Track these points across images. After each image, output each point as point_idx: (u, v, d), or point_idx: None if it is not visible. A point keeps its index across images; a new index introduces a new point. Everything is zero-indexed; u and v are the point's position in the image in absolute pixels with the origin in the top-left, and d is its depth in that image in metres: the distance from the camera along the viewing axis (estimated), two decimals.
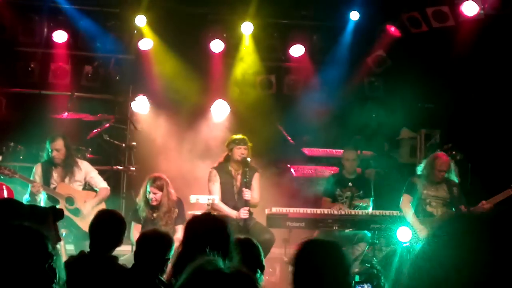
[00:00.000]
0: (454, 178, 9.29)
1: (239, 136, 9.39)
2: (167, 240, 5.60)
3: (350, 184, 9.88)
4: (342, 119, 11.36)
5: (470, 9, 10.78)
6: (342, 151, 10.55)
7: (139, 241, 5.53)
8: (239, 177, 9.29)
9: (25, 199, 8.96)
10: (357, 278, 8.96)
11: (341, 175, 10.08)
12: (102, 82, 11.71)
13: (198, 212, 8.64)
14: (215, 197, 8.89)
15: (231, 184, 9.29)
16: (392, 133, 11.89)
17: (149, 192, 8.89)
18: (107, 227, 5.67)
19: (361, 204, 9.63)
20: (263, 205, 9.37)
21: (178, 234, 8.88)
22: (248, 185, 9.22)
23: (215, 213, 8.60)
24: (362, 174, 10.40)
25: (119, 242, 5.71)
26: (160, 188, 8.90)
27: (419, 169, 9.45)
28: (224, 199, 9.23)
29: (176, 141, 11.15)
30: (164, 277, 5.24)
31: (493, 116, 11.04)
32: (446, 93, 11.47)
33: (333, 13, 11.83)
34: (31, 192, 9.01)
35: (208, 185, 9.36)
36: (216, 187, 9.29)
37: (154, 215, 8.97)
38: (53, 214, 4.98)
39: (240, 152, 9.24)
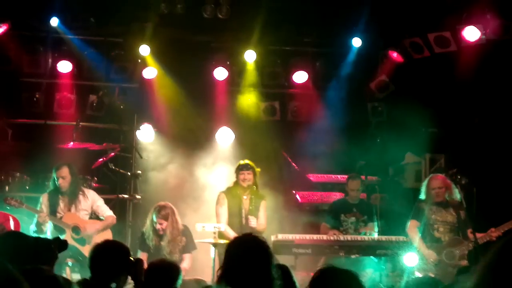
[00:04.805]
0: (457, 195, 9.26)
1: (244, 161, 9.45)
2: (175, 270, 5.60)
3: (354, 209, 9.90)
4: (346, 145, 11.38)
5: (471, 34, 10.85)
6: (346, 177, 10.56)
7: (147, 272, 5.52)
8: (246, 203, 9.32)
9: (31, 229, 8.99)
10: None
11: (345, 200, 10.10)
12: (107, 111, 11.76)
13: (205, 240, 8.65)
14: (222, 225, 8.89)
15: (238, 209, 9.32)
16: (396, 158, 11.91)
17: (156, 222, 8.93)
18: (106, 257, 5.49)
19: (365, 232, 9.61)
20: (269, 232, 9.38)
21: (185, 263, 8.89)
22: (254, 212, 9.25)
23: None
24: (366, 199, 10.43)
25: (120, 273, 5.55)
26: (166, 218, 8.95)
27: (421, 194, 9.46)
28: (230, 224, 9.25)
29: (181, 168, 11.17)
30: None
31: (497, 140, 11.06)
32: (450, 117, 11.51)
33: (336, 40, 11.91)
34: (37, 222, 9.05)
35: (216, 208, 9.40)
36: (224, 210, 9.32)
37: (162, 243, 9.00)
38: (57, 245, 5.01)
39: (243, 177, 9.30)
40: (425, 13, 11.16)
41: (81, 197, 9.42)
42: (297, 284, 4.65)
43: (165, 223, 8.97)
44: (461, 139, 11.45)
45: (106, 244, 5.80)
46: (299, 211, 10.92)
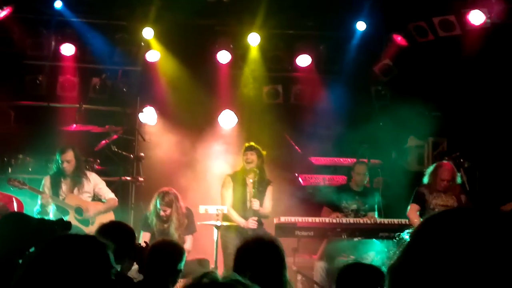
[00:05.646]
0: (459, 180, 9.27)
1: (248, 143, 9.48)
2: (179, 251, 5.54)
3: (356, 197, 9.88)
4: (349, 128, 11.36)
5: (476, 18, 10.80)
6: (349, 159, 10.55)
7: (150, 253, 5.48)
8: (251, 186, 9.33)
9: (35, 210, 9.01)
10: None
11: (348, 187, 10.06)
12: (110, 94, 11.75)
13: (208, 222, 8.67)
14: (225, 207, 8.89)
15: (242, 192, 9.32)
16: (399, 141, 11.89)
17: (159, 209, 8.95)
18: (111, 238, 5.41)
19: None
20: (271, 214, 9.39)
21: (187, 245, 8.92)
22: (258, 195, 9.25)
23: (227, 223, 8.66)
24: (371, 186, 10.41)
25: (125, 254, 5.38)
26: (170, 205, 8.97)
27: (425, 178, 9.45)
28: (234, 207, 9.26)
29: (183, 151, 11.17)
30: None
31: (501, 124, 11.04)
32: (453, 101, 11.48)
33: (340, 23, 11.86)
34: (41, 204, 9.07)
35: (221, 191, 9.41)
36: (229, 193, 9.33)
37: (165, 225, 9.02)
38: (61, 226, 5.02)
39: (246, 157, 9.31)
40: None
41: (83, 179, 9.43)
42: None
43: (169, 210, 9.00)
44: (464, 122, 11.42)
45: (112, 224, 5.81)
46: (301, 193, 10.91)
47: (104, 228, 5.45)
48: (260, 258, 4.24)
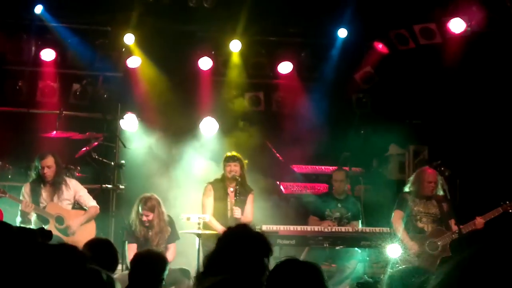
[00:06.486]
0: (441, 192, 9.34)
1: (231, 153, 9.44)
2: (162, 261, 5.57)
3: (339, 205, 9.91)
4: (331, 136, 11.38)
5: (457, 26, 10.87)
6: (331, 168, 10.57)
7: (134, 262, 5.51)
8: (232, 194, 9.30)
9: (17, 220, 8.90)
10: None
11: (331, 195, 10.10)
12: (91, 100, 11.70)
13: (190, 231, 8.64)
14: (206, 216, 8.86)
15: (224, 201, 9.30)
16: (380, 149, 11.93)
17: (141, 214, 8.89)
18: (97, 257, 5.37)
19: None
20: (253, 222, 9.36)
21: (170, 254, 8.86)
22: (239, 204, 9.23)
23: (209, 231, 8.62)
24: (352, 194, 10.43)
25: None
26: (152, 210, 8.91)
27: (407, 186, 9.47)
28: (216, 215, 9.23)
29: (164, 158, 11.13)
30: None
31: (481, 132, 11.10)
32: (434, 109, 11.54)
33: (321, 30, 11.88)
34: (22, 212, 8.96)
35: (202, 199, 9.37)
36: (210, 201, 9.30)
37: (149, 234, 8.95)
38: (42, 236, 4.97)
39: (229, 169, 9.28)
40: (411, 5, 11.16)
41: (63, 186, 9.33)
42: None
43: (151, 215, 8.94)
44: (445, 130, 11.48)
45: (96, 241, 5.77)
46: (283, 202, 10.91)
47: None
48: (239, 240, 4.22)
